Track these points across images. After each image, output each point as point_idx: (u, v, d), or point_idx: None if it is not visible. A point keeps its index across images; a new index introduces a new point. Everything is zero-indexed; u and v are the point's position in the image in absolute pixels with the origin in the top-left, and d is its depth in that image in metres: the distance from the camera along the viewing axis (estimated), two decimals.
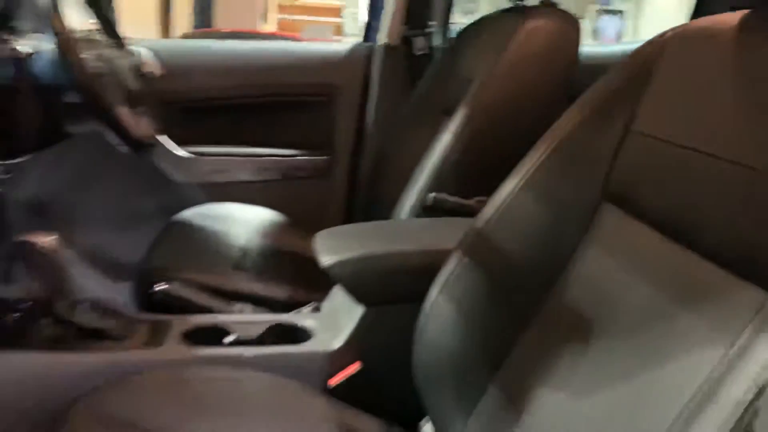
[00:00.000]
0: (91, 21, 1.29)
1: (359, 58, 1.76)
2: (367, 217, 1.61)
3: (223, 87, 1.69)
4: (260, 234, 1.44)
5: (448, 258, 0.85)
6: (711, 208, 0.59)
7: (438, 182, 1.24)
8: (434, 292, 0.86)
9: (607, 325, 0.65)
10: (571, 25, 1.32)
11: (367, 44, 1.80)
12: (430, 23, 1.75)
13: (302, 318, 1.07)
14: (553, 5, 1.36)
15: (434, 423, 0.89)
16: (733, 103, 0.60)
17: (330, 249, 1.00)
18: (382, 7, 1.74)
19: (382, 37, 1.75)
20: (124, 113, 1.22)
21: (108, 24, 1.32)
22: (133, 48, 1.45)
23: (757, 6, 0.64)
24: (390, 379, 0.95)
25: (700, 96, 0.65)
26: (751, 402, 0.47)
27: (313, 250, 1.01)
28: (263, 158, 1.71)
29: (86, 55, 1.11)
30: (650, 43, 0.75)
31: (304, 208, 1.70)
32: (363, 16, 1.94)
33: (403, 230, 1.17)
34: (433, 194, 1.22)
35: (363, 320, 0.99)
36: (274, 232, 1.47)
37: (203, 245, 1.34)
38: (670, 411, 0.52)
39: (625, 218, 0.70)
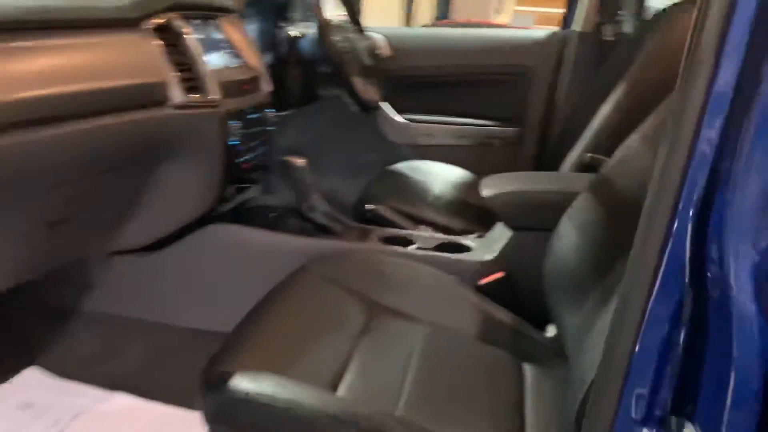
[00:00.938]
0: (341, 12, 1.74)
1: (554, 43, 2.01)
2: None
3: (437, 66, 2.06)
4: (450, 185, 1.78)
5: (577, 197, 1.11)
6: None
7: (595, 144, 1.47)
8: (564, 221, 1.12)
9: None
10: None
11: (564, 31, 2.04)
12: (620, 12, 1.92)
13: (466, 239, 1.40)
14: None
15: (554, 321, 1.15)
16: None
17: (491, 185, 1.32)
18: None
19: (577, 25, 1.98)
20: (358, 82, 1.65)
21: (353, 15, 1.77)
22: (370, 34, 1.89)
23: None
24: (525, 286, 1.24)
25: None
26: None
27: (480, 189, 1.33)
28: (463, 127, 2.05)
29: (336, 37, 1.56)
30: None
31: (494, 172, 2.00)
32: None
33: (548, 177, 1.43)
34: (588, 154, 1.46)
35: (510, 240, 1.29)
36: (461, 185, 1.80)
37: (405, 186, 1.72)
38: None
39: None
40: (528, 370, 1.04)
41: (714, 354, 0.47)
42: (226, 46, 1.35)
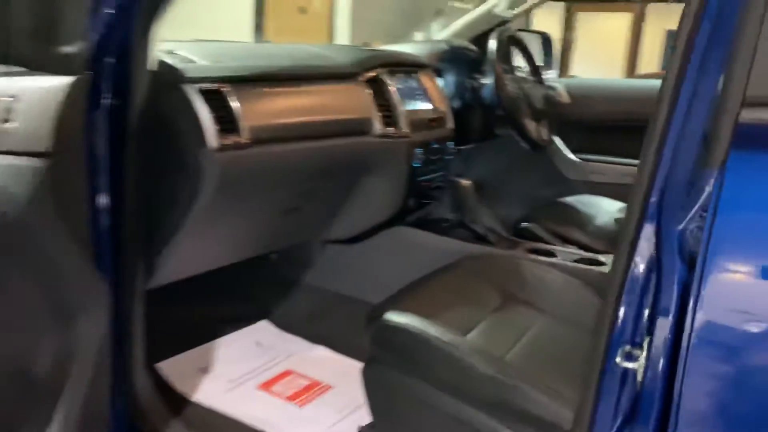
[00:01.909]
0: (521, 64, 2.10)
1: None
2: None
3: (608, 113, 2.30)
4: (612, 216, 2.00)
5: None
6: None
7: None
8: None
9: None
10: None
11: None
12: None
13: (604, 256, 1.64)
14: None
15: None
16: None
17: None
18: None
19: None
20: (529, 124, 1.98)
21: (533, 65, 2.11)
22: (551, 83, 2.21)
23: None
24: None
25: None
26: None
27: None
28: (627, 167, 2.24)
29: (509, 84, 1.91)
30: None
31: None
32: None
33: None
34: None
35: None
36: (618, 218, 2.02)
37: (566, 212, 1.98)
38: None
39: None
40: None
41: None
42: (421, 92, 1.78)
